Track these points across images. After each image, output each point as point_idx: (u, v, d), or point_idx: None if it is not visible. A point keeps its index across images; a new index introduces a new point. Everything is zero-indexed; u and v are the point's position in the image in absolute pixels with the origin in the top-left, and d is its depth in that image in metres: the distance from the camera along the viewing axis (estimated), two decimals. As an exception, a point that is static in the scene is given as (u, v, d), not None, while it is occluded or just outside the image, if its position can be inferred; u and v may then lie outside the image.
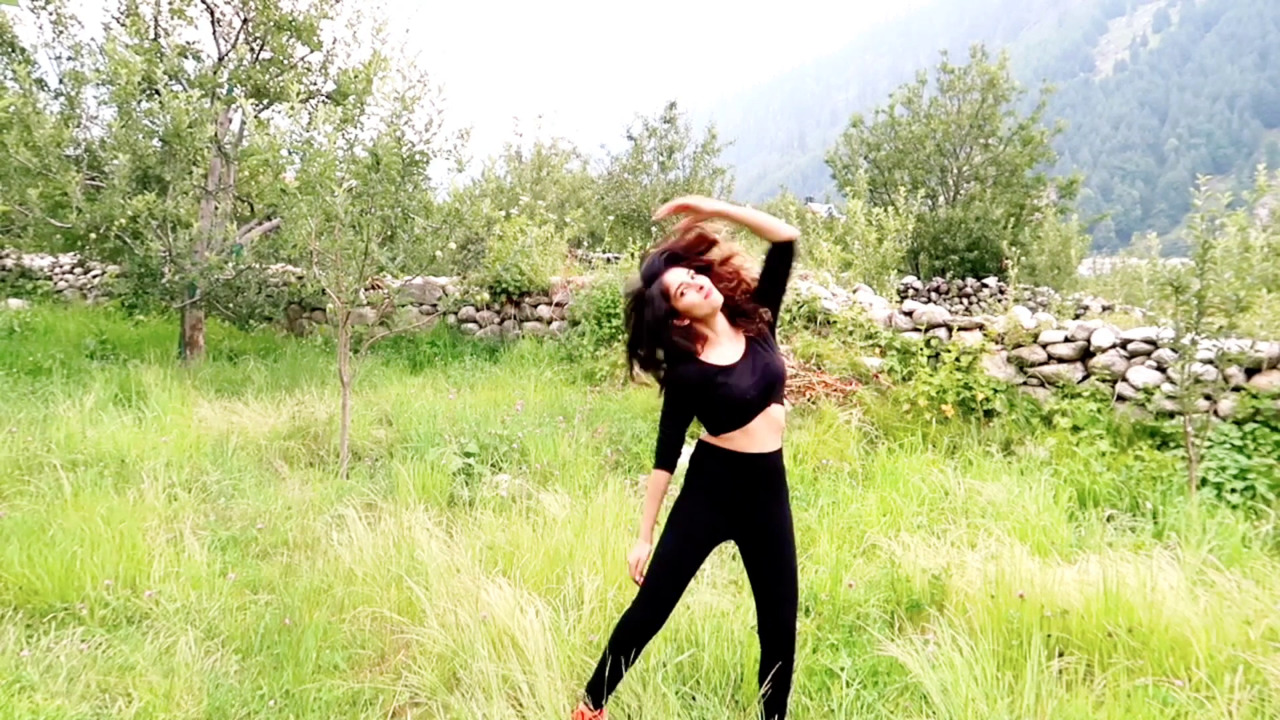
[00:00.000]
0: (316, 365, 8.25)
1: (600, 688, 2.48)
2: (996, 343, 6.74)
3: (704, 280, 2.29)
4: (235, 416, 6.45)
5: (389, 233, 5.89)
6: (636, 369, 2.42)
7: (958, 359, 6.59)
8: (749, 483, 2.31)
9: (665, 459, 2.44)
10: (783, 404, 2.36)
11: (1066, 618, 3.05)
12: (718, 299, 2.29)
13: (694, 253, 2.35)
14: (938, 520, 4.37)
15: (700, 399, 2.30)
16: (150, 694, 2.82)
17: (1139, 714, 2.58)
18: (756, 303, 2.37)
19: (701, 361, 2.30)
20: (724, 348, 2.32)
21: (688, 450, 2.86)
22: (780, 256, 2.31)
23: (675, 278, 2.30)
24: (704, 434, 2.38)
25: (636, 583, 2.46)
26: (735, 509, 2.34)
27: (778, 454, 2.33)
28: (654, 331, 2.31)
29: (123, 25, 8.62)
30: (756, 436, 2.29)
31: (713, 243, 2.38)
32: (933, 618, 3.27)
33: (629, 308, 2.40)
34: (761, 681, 2.42)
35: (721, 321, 2.34)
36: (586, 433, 5.84)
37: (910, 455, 5.40)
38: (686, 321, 2.32)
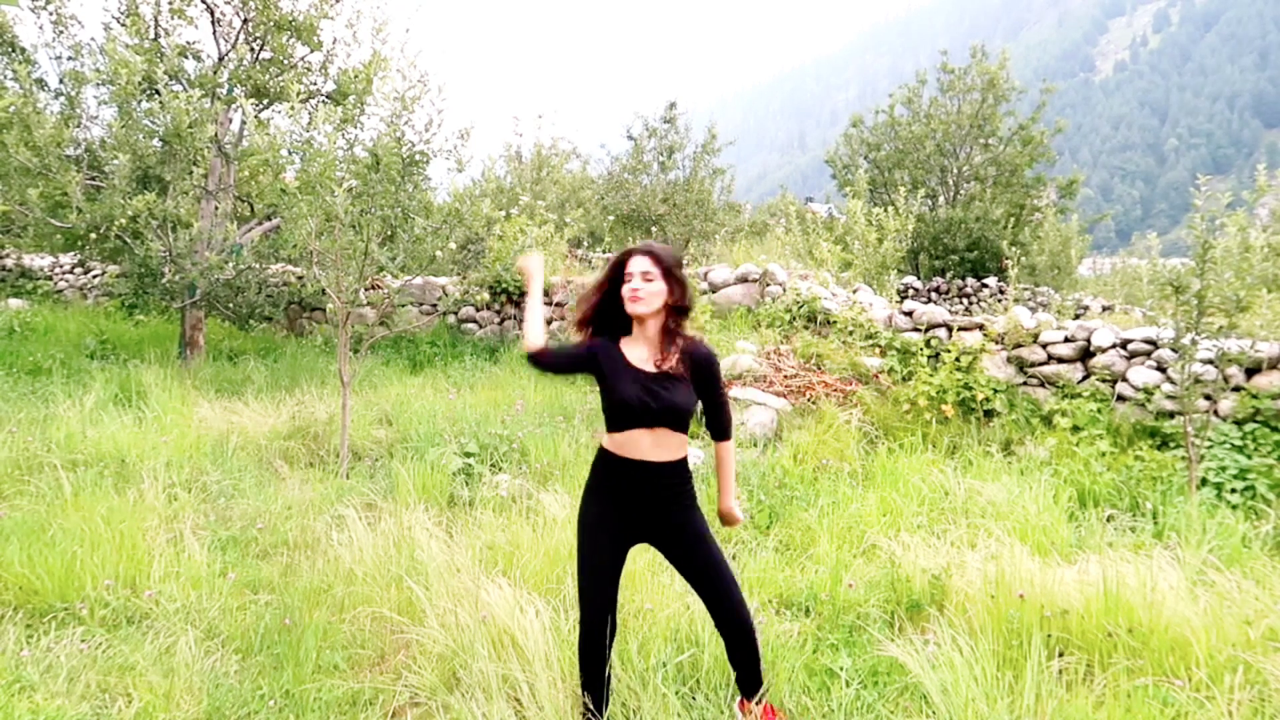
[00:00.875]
0: (316, 365, 8.25)
1: (594, 702, 2.50)
2: (996, 343, 6.74)
3: (649, 289, 2.40)
4: (235, 416, 6.45)
5: (389, 233, 5.89)
6: (583, 302, 2.56)
7: (958, 359, 6.59)
8: (639, 486, 2.42)
9: (545, 346, 2.54)
10: (679, 432, 2.44)
11: (1066, 618, 3.05)
12: (642, 309, 2.41)
13: (661, 262, 2.44)
14: (938, 520, 4.37)
15: (597, 370, 2.46)
16: (150, 694, 2.83)
17: (1139, 714, 2.58)
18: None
19: (618, 347, 2.48)
20: (641, 353, 2.46)
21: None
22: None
23: (635, 264, 2.43)
24: (602, 438, 2.51)
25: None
26: (635, 511, 2.45)
27: (670, 464, 2.43)
28: (612, 286, 2.48)
29: (123, 25, 8.62)
30: (638, 447, 2.40)
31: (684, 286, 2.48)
32: (933, 618, 3.27)
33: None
34: (733, 666, 2.54)
35: (653, 332, 2.46)
36: (586, 433, 5.84)
37: (910, 455, 5.40)
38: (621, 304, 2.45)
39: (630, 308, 2.41)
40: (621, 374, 2.40)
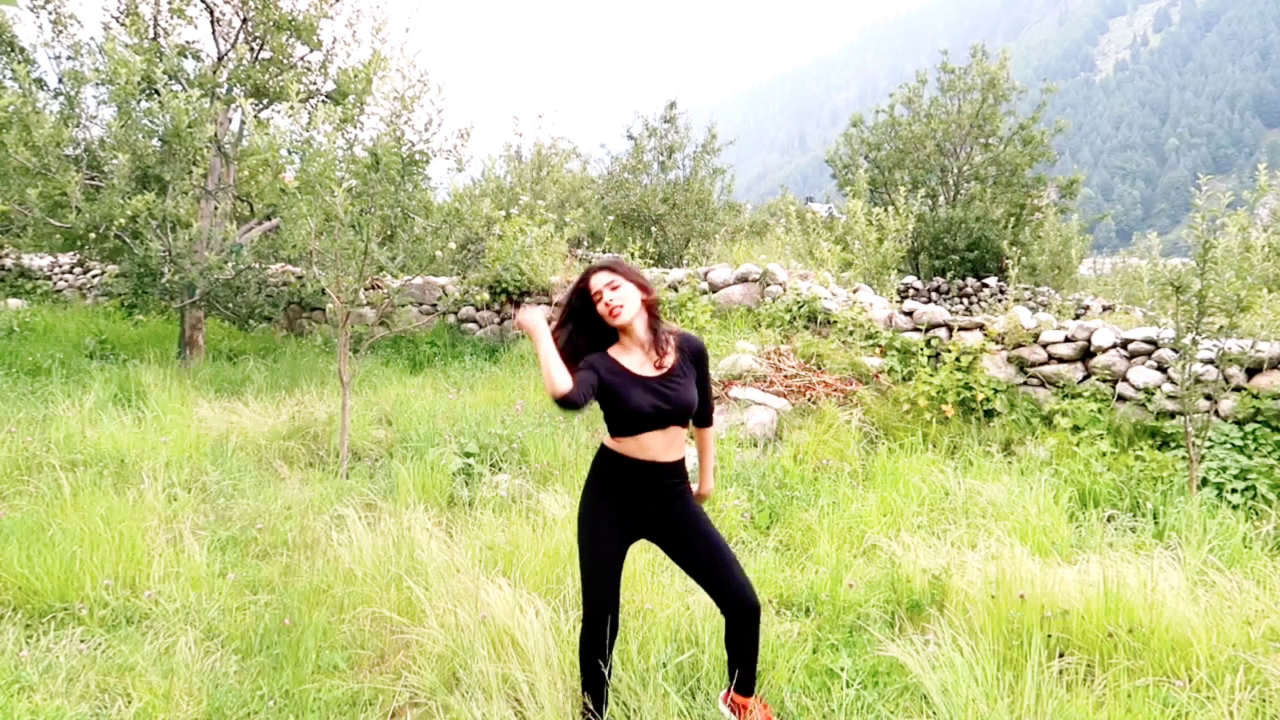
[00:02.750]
0: (316, 365, 8.25)
1: (594, 702, 2.50)
2: (997, 343, 6.74)
3: (620, 296, 2.40)
4: (235, 416, 6.45)
5: (389, 233, 5.89)
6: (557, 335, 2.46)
7: (958, 359, 6.58)
8: (645, 485, 2.44)
9: (573, 386, 2.31)
10: (684, 427, 2.49)
11: (1067, 618, 3.05)
12: (626, 316, 2.41)
13: (616, 269, 2.47)
14: (938, 520, 4.37)
15: (602, 387, 2.38)
16: (150, 694, 2.82)
17: (1140, 714, 2.58)
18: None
19: (612, 358, 2.45)
20: (637, 358, 2.46)
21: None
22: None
23: (597, 281, 2.45)
24: (604, 438, 2.50)
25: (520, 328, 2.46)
26: (638, 508, 2.47)
27: (676, 463, 2.47)
28: (573, 316, 2.49)
29: (122, 25, 8.62)
30: (649, 448, 2.42)
31: (626, 272, 2.48)
32: (933, 618, 3.27)
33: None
34: (730, 654, 2.51)
35: (641, 335, 2.46)
36: (586, 433, 5.84)
37: (910, 455, 5.40)
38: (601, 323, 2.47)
39: (615, 321, 2.41)
40: (629, 384, 2.39)
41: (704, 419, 2.65)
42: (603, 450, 2.51)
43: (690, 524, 2.49)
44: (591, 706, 2.48)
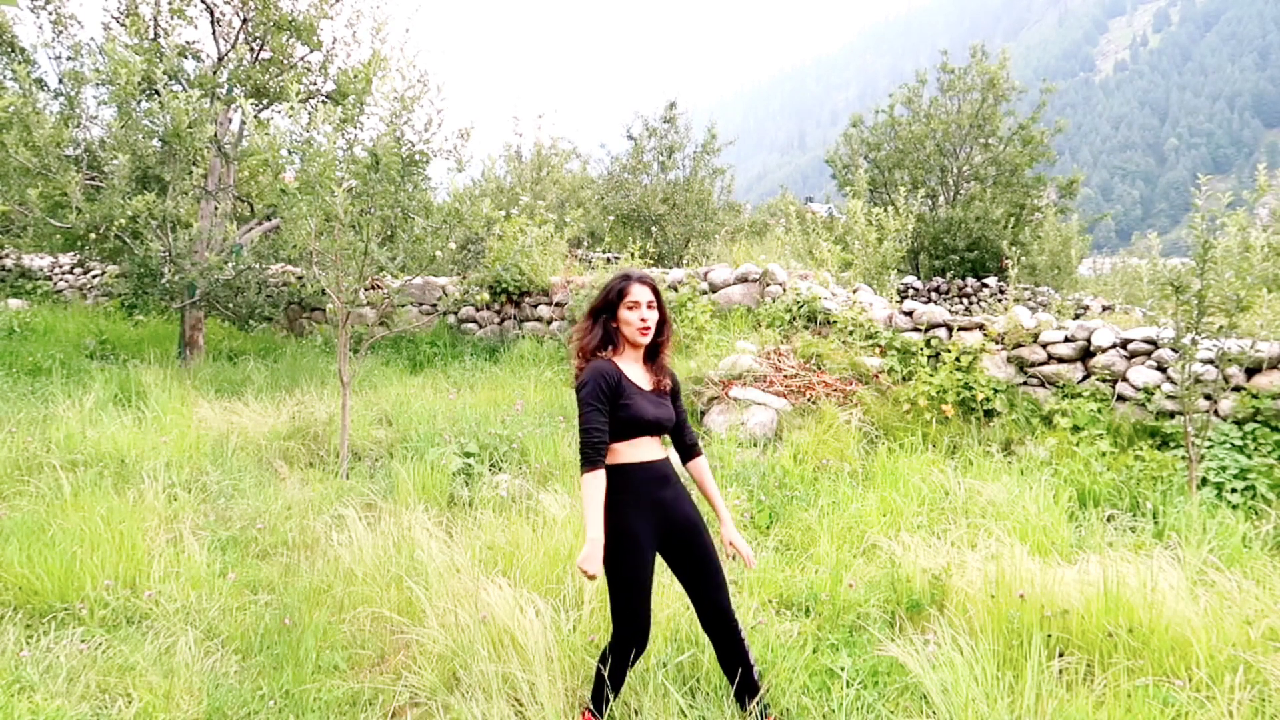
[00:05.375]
0: (316, 365, 8.25)
1: (600, 699, 2.54)
2: (996, 343, 6.74)
3: (653, 316, 2.59)
4: (235, 416, 6.45)
5: (389, 233, 5.89)
6: (585, 334, 2.63)
7: (958, 359, 6.59)
8: (656, 485, 2.55)
9: (598, 456, 2.44)
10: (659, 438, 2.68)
11: (1067, 618, 3.05)
12: (643, 340, 2.59)
13: (658, 292, 2.65)
14: (938, 520, 4.37)
15: (613, 400, 2.51)
16: (150, 694, 2.82)
17: (1139, 714, 2.58)
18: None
19: (621, 371, 2.57)
20: (636, 372, 2.63)
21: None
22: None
23: (641, 293, 2.59)
24: (610, 460, 2.53)
25: (589, 576, 2.35)
26: (656, 511, 2.53)
27: (665, 460, 2.62)
28: (607, 307, 2.61)
29: (123, 25, 8.63)
30: (642, 449, 2.55)
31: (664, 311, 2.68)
32: (933, 618, 3.27)
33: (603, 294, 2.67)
34: (726, 672, 2.58)
35: (642, 356, 2.66)
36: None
37: (910, 455, 5.40)
38: (616, 325, 2.61)
39: (642, 338, 2.58)
40: (637, 395, 2.56)
41: (692, 446, 2.77)
42: (616, 470, 2.49)
43: (692, 533, 2.58)
44: (603, 703, 2.51)
